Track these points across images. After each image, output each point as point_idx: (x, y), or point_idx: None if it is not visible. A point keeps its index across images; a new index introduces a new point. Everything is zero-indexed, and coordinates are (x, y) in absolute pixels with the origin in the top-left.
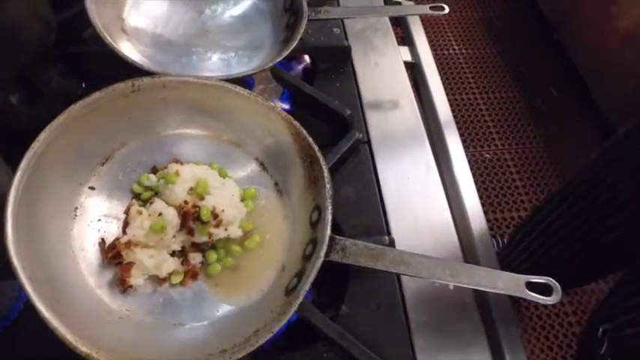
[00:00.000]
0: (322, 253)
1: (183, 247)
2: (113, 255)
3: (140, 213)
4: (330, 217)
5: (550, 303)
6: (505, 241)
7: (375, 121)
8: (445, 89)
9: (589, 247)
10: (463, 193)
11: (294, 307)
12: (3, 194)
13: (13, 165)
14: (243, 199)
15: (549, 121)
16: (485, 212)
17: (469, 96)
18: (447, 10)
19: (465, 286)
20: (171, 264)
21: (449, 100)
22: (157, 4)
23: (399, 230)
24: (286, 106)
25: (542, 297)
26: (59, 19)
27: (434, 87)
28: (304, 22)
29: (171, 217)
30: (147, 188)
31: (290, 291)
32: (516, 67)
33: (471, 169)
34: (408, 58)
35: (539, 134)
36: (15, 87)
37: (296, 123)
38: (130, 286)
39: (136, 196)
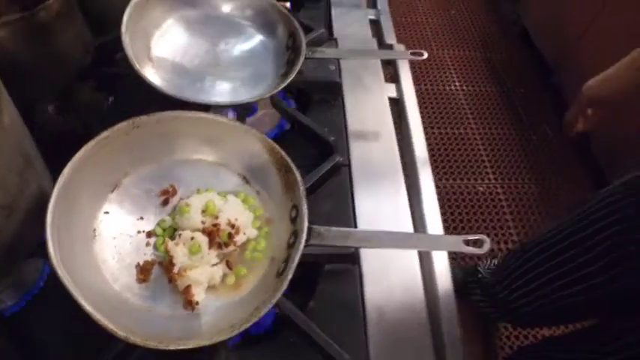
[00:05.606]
0: (303, 240)
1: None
2: (145, 275)
3: (177, 244)
4: (306, 211)
5: (481, 253)
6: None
7: (358, 149)
8: (444, 122)
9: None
10: (427, 222)
11: (285, 285)
12: (46, 198)
13: (50, 166)
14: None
15: (543, 159)
16: None
17: (466, 130)
18: (425, 55)
19: (414, 249)
20: (219, 270)
21: (447, 134)
22: (179, 38)
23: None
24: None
25: (475, 249)
26: (97, 43)
27: (413, 122)
28: (302, 59)
29: (200, 236)
30: (168, 229)
31: (280, 274)
32: (514, 106)
33: (464, 200)
34: (394, 94)
35: (531, 171)
36: (52, 98)
37: (270, 141)
38: (197, 303)
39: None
